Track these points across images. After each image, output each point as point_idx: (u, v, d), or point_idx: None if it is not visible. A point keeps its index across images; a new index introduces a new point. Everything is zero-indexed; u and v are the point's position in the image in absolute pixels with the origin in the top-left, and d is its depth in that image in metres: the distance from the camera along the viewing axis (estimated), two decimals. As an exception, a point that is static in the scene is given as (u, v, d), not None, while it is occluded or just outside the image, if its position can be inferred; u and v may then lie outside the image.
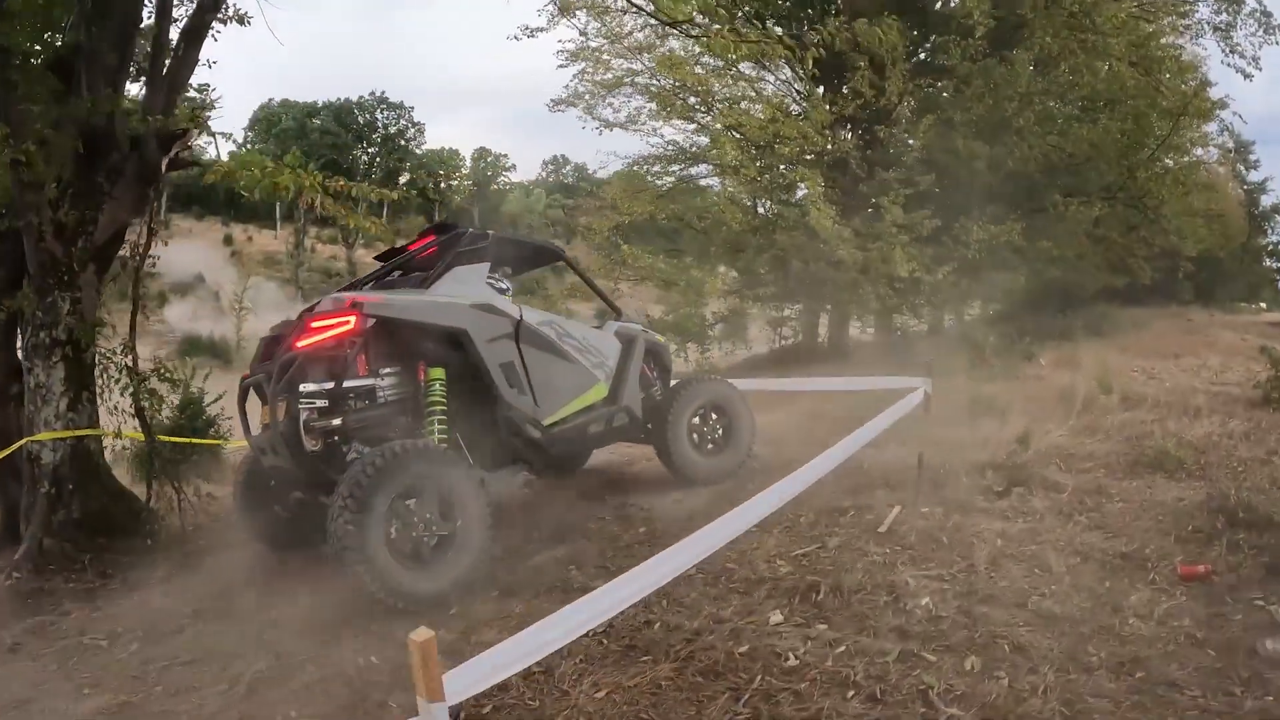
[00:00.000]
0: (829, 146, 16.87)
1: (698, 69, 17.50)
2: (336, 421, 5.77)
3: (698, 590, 5.08)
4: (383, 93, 55.18)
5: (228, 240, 64.36)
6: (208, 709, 4.38)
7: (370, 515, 5.09)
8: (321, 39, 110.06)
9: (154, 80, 8.01)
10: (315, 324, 5.75)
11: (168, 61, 8.15)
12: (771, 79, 18.63)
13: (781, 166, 16.84)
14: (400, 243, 8.11)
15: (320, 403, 5.76)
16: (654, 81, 18.13)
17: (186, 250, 59.21)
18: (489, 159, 68.79)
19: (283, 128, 54.66)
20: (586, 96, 18.90)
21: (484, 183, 70.80)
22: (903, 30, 16.37)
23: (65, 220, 7.32)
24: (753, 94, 18.27)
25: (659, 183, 20.29)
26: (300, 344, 5.72)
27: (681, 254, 19.93)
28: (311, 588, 5.85)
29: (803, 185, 16.54)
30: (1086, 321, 17.14)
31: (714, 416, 7.98)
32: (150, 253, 8.37)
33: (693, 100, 17.93)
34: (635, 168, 20.88)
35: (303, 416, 5.72)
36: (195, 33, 8.13)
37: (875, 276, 15.45)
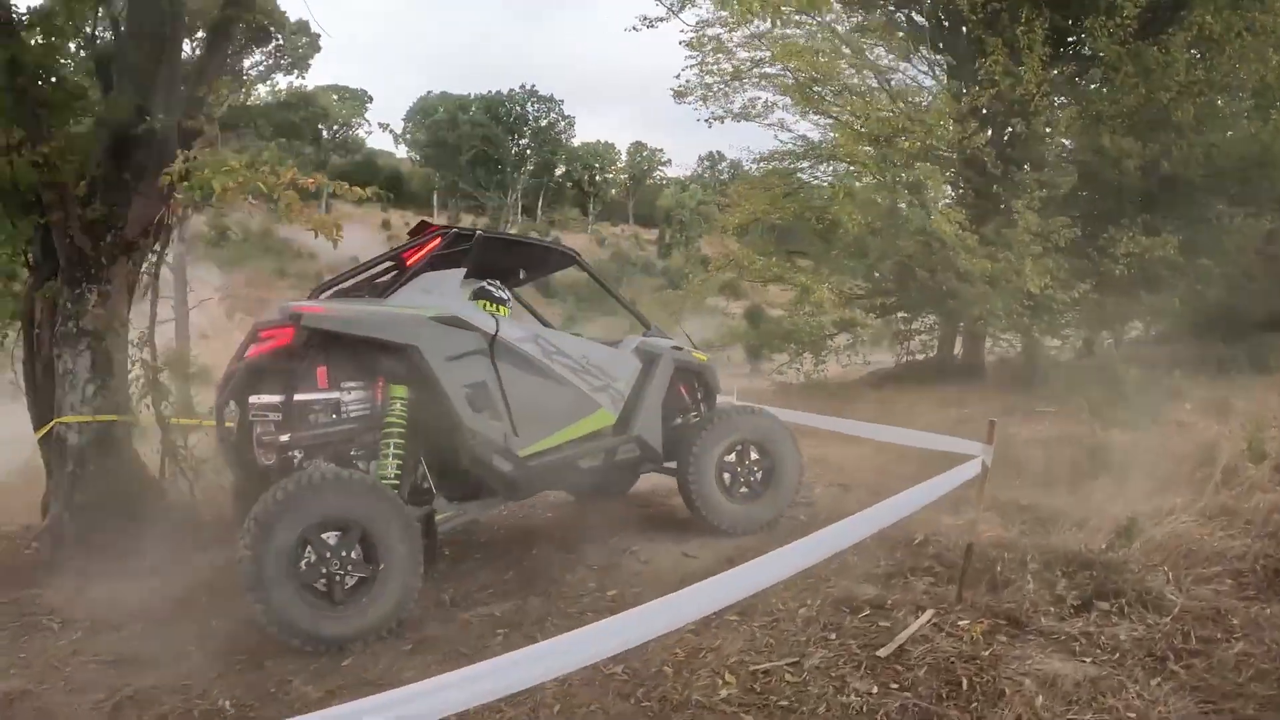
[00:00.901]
0: (960, 140, 14.96)
1: (820, 57, 16.02)
2: (289, 436, 5.39)
3: (601, 696, 4.12)
4: (533, 86, 55.91)
5: (385, 225, 66.39)
6: (78, 715, 4.37)
7: (271, 545, 4.72)
8: (481, 32, 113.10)
9: (171, 78, 7.91)
10: (263, 334, 5.38)
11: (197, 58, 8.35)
12: (904, 68, 17.11)
13: (901, 163, 15.21)
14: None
15: (274, 415, 5.39)
16: (773, 70, 16.90)
17: (345, 233, 61.34)
18: (644, 153, 68.76)
19: (435, 119, 55.63)
20: (706, 87, 17.83)
21: (639, 177, 70.87)
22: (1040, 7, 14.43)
23: (92, 216, 7.48)
24: (875, 84, 16.74)
25: (782, 179, 19.07)
26: (254, 351, 5.37)
27: (803, 256, 18.76)
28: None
29: (927, 184, 14.99)
30: (1251, 354, 14.59)
31: (753, 455, 6.83)
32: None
33: (818, 90, 16.54)
34: (763, 164, 19.79)
35: (256, 429, 5.40)
36: (220, 30, 8.22)
37: (1005, 290, 13.66)
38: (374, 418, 5.60)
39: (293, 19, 33.12)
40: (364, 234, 61.30)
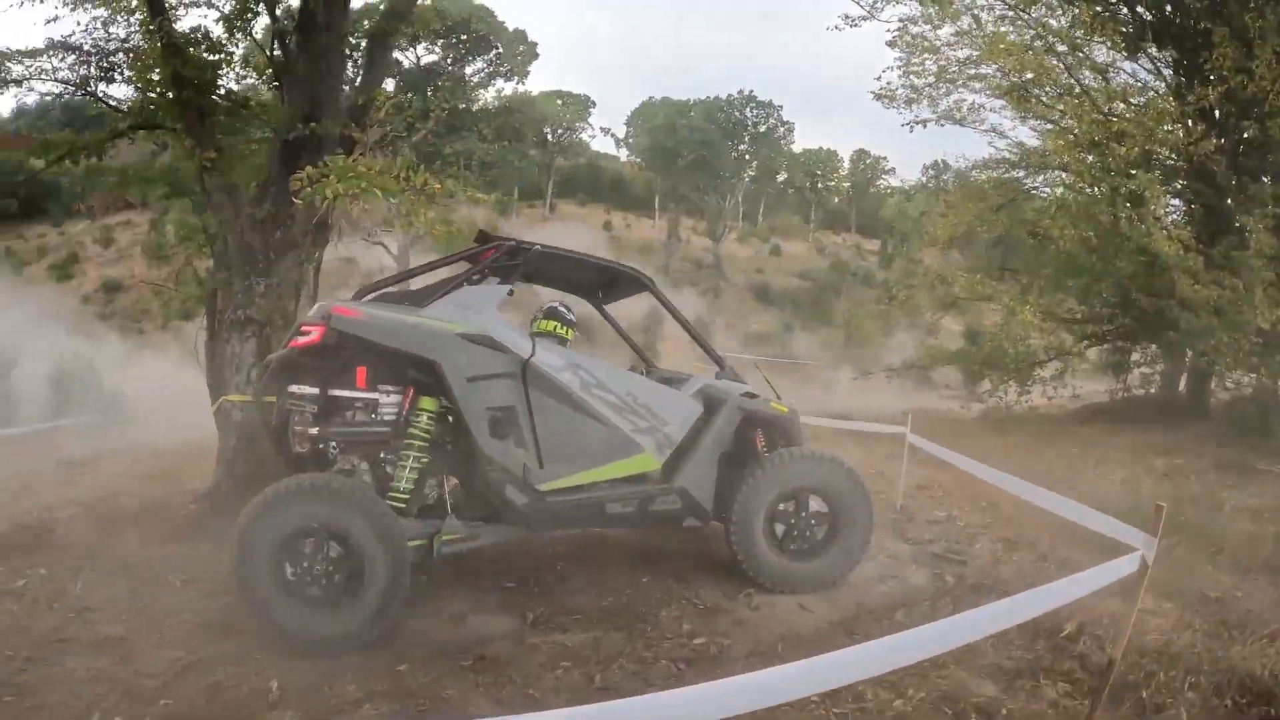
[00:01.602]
0: (1185, 146, 13.08)
1: (1030, 55, 14.38)
2: (319, 429, 5.42)
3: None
4: (751, 91, 54.88)
5: (607, 226, 67.48)
6: (153, 667, 4.80)
7: (255, 549, 4.89)
8: (705, 38, 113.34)
9: (333, 89, 8.57)
10: (303, 328, 5.35)
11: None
12: (1125, 65, 15.05)
13: (1119, 170, 13.36)
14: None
15: (309, 407, 5.39)
16: (985, 70, 15.41)
17: (567, 233, 63.07)
18: (867, 160, 66.78)
19: (655, 124, 55.87)
20: (912, 89, 16.48)
21: (862, 185, 69.03)
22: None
23: (261, 215, 8.05)
24: (1093, 83, 14.83)
25: (996, 189, 17.29)
26: (295, 343, 5.35)
27: (1014, 274, 17.11)
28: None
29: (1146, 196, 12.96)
30: None
31: (811, 507, 6.09)
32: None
33: (1034, 92, 14.93)
34: (976, 172, 18.27)
35: (293, 418, 5.40)
36: (381, 39, 8.94)
37: (1232, 322, 11.70)
38: (404, 424, 5.48)
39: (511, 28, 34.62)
40: (587, 235, 62.79)
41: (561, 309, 6.58)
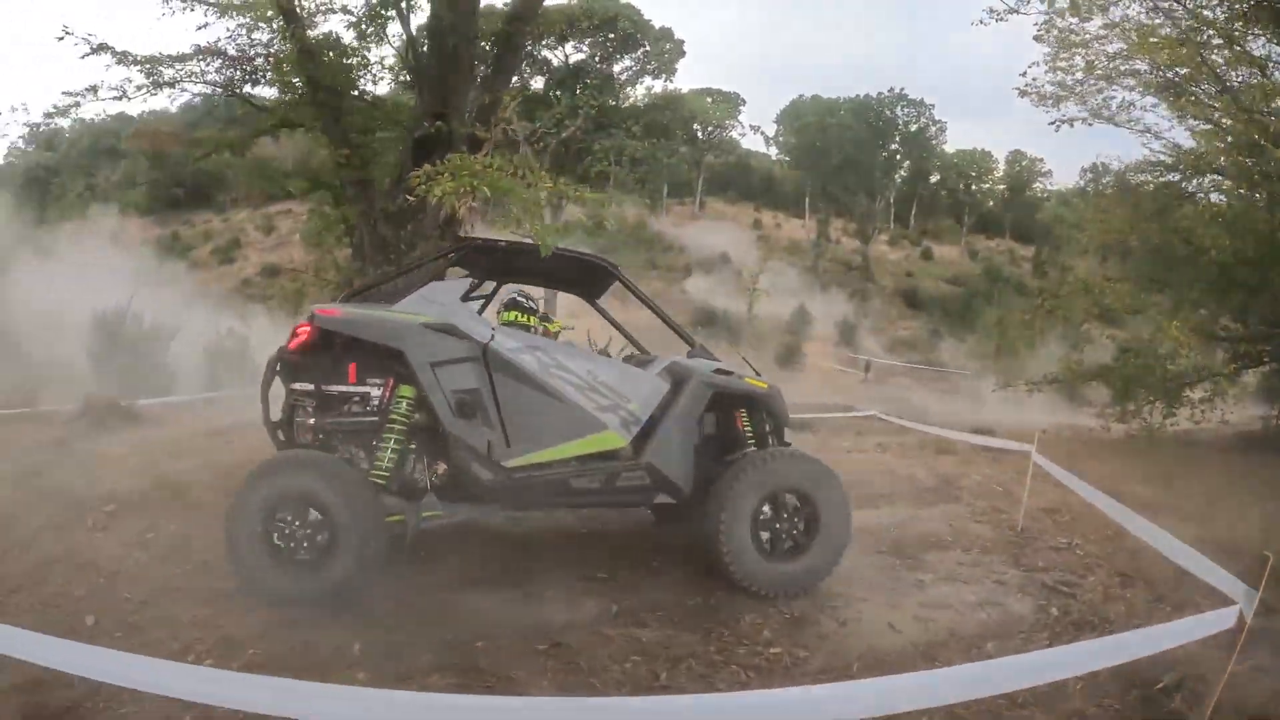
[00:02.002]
0: None
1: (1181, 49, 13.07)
2: (322, 420, 5.86)
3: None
4: (902, 89, 53.28)
5: (756, 225, 66.95)
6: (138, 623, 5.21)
7: (244, 512, 5.37)
8: (858, 35, 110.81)
9: (461, 89, 9.09)
10: (298, 329, 5.84)
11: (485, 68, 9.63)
12: None
13: (1275, 177, 12.17)
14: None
15: (310, 402, 5.87)
16: (1138, 65, 14.26)
17: (716, 230, 62.96)
18: (1023, 162, 64.12)
19: (804, 122, 54.99)
20: (1060, 85, 15.31)
21: (1017, 188, 66.50)
22: None
23: (393, 209, 8.52)
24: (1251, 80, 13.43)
25: (1151, 195, 15.94)
26: (292, 344, 5.84)
27: (1168, 286, 15.96)
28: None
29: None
30: None
31: (792, 506, 6.04)
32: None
33: (1192, 89, 13.70)
34: (1129, 175, 17.05)
35: (296, 413, 5.90)
36: (509, 41, 9.39)
37: None
38: (382, 412, 5.86)
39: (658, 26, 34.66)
40: (735, 232, 62.53)
41: (520, 298, 6.88)
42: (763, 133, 78.12)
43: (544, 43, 34.99)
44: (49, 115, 11.48)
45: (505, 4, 9.51)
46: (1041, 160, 62.98)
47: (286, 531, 5.37)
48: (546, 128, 35.07)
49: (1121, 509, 6.17)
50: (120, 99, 9.40)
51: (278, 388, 5.99)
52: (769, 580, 5.87)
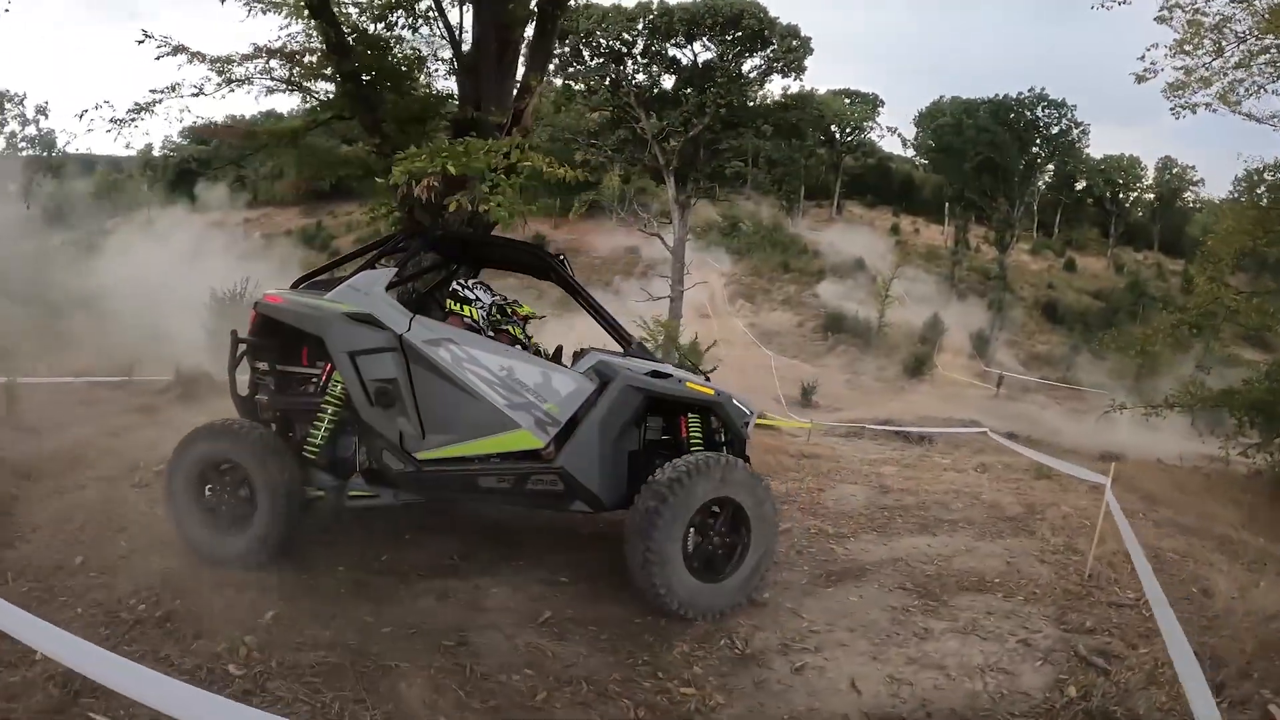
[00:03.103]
0: None
1: None
2: (277, 399, 6.15)
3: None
4: (1043, 89, 50.11)
5: (894, 230, 65.39)
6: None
7: (179, 478, 5.72)
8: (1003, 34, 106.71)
9: (492, 78, 9.08)
10: (251, 314, 6.12)
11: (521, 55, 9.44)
12: None
13: None
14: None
15: (270, 381, 6.16)
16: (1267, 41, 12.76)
17: (852, 234, 61.89)
18: (1174, 170, 60.31)
19: (940, 124, 53.01)
20: (1186, 71, 13.95)
21: (1167, 198, 62.79)
22: None
23: (428, 197, 8.11)
24: None
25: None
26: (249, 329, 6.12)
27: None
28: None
29: None
30: None
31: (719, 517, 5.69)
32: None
33: None
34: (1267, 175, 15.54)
35: (259, 391, 6.22)
36: (542, 27, 9.26)
37: None
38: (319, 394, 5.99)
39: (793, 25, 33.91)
40: (871, 237, 61.28)
41: (458, 287, 6.55)
42: (900, 135, 76.37)
43: (673, 41, 34.56)
44: (133, 112, 11.94)
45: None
46: (1193, 168, 59.27)
47: (213, 495, 5.72)
48: (674, 126, 34.72)
49: (1150, 578, 5.29)
50: (198, 95, 9.59)
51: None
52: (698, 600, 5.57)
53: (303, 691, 4.09)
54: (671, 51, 35.13)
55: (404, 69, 10.16)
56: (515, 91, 9.19)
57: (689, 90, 34.85)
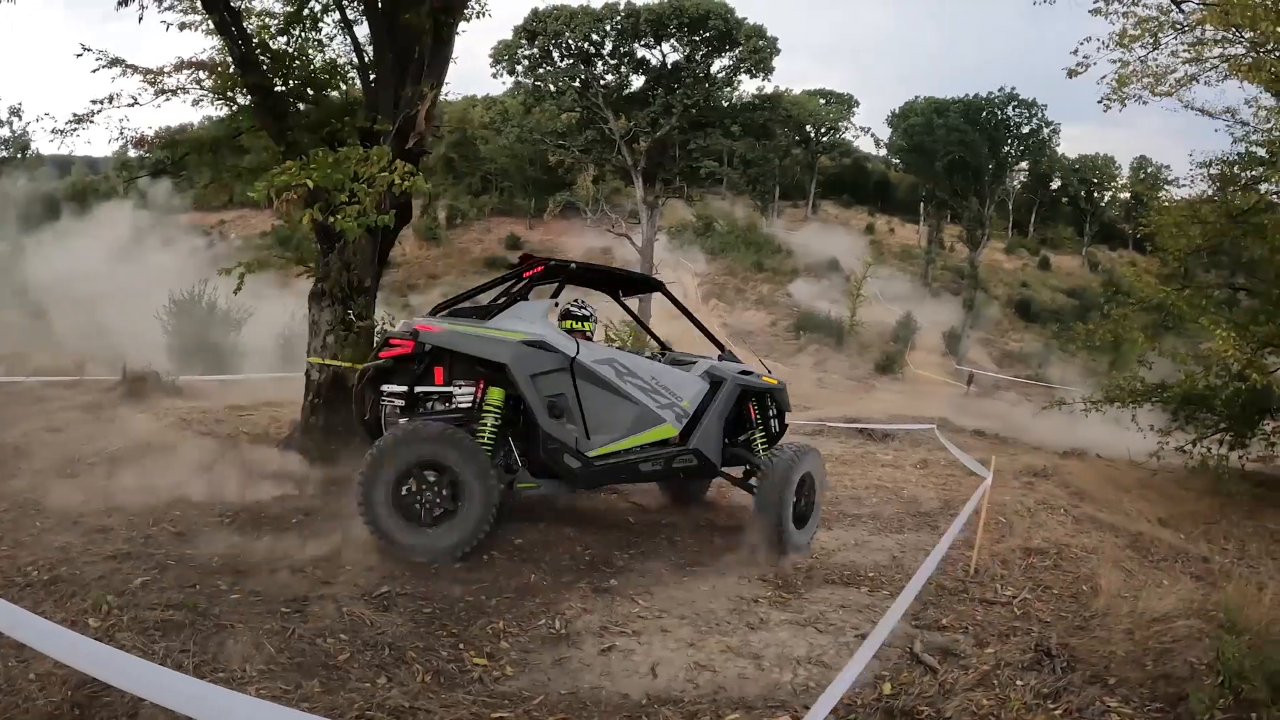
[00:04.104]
0: None
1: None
2: (409, 418, 6.71)
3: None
4: (1013, 89, 50.13)
5: (869, 229, 65.49)
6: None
7: (380, 476, 6.11)
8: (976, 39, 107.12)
9: (383, 83, 9.55)
10: (392, 343, 6.74)
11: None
12: None
13: None
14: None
15: (399, 401, 6.78)
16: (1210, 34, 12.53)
17: (827, 234, 61.93)
18: (1149, 169, 60.48)
19: (911, 123, 53.01)
20: (1123, 64, 13.62)
21: (1144, 195, 63.13)
22: None
23: (287, 210, 8.51)
24: None
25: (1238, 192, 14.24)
26: (383, 355, 6.76)
27: (1249, 294, 14.47)
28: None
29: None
30: None
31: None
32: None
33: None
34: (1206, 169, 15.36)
35: (384, 410, 6.87)
36: (436, 35, 9.34)
37: None
38: (475, 409, 6.73)
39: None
40: (846, 236, 61.30)
41: (574, 308, 7.75)
42: (873, 135, 76.46)
43: (641, 42, 34.58)
44: (72, 122, 12.23)
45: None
46: (1168, 167, 59.22)
47: (419, 495, 6.20)
48: (641, 127, 34.75)
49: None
50: (133, 106, 10.01)
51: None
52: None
53: (141, 641, 4.36)
54: (640, 52, 35.22)
55: (319, 79, 10.43)
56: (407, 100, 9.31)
57: (657, 91, 34.88)
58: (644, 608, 5.72)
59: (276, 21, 10.19)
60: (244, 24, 9.62)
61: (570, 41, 34.63)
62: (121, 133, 10.38)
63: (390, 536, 6.06)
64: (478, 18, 11.06)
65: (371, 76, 9.85)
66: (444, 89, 10.16)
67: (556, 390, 6.70)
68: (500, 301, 7.11)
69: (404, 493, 6.14)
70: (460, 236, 61.08)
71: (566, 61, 35.43)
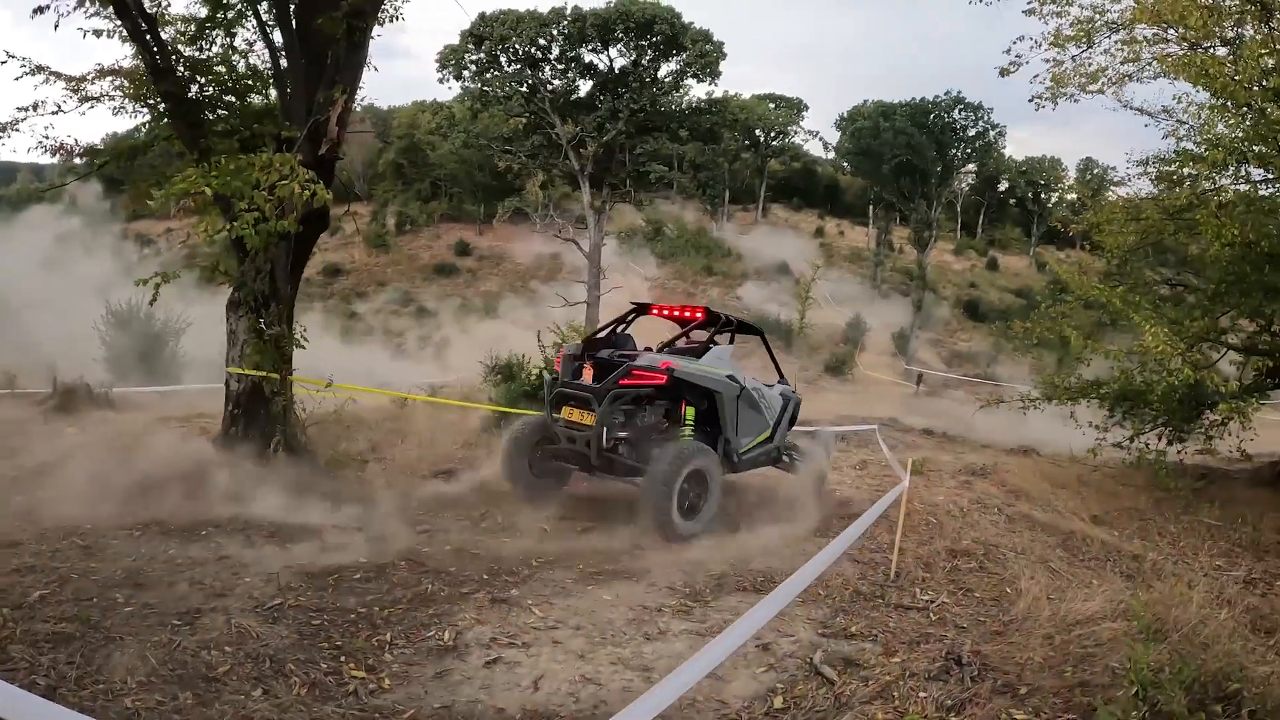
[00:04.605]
0: None
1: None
2: (625, 433, 8.60)
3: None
4: (959, 92, 50.76)
5: (818, 232, 65.86)
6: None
7: (664, 480, 7.99)
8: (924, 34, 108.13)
9: (295, 89, 9.54)
10: (638, 372, 8.46)
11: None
12: None
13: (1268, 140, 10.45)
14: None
15: (620, 417, 8.60)
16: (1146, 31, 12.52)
17: (777, 237, 62.22)
18: (1095, 170, 61.32)
19: (858, 127, 53.38)
20: (1055, 62, 13.59)
21: (1085, 197, 64.03)
22: None
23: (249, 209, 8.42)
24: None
25: (1175, 190, 14.33)
26: (624, 382, 8.46)
27: (1186, 290, 14.52)
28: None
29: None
30: None
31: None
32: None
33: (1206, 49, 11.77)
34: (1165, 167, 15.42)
35: (614, 420, 8.51)
36: (349, 40, 9.23)
37: None
38: (664, 425, 8.83)
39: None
40: (795, 242, 61.58)
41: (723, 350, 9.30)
42: (822, 139, 76.88)
43: (588, 47, 34.43)
44: None
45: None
46: (1114, 168, 60.16)
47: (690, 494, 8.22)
48: (588, 131, 34.59)
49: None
50: (56, 113, 9.95)
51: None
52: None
53: (29, 654, 4.36)
54: (587, 57, 34.99)
55: (241, 85, 10.32)
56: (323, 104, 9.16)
57: (604, 96, 34.73)
58: (539, 618, 5.60)
59: (191, 28, 9.99)
60: (159, 31, 9.45)
61: (517, 46, 34.31)
62: (42, 141, 10.25)
63: (676, 530, 7.97)
64: (390, 21, 10.99)
65: (277, 83, 9.81)
66: (359, 94, 10.08)
67: (733, 409, 8.88)
68: (701, 344, 9.20)
69: (683, 493, 8.06)
70: (409, 243, 60.59)
71: (513, 66, 35.10)
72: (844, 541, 6.11)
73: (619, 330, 9.78)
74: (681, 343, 9.48)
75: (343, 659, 4.80)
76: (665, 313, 9.84)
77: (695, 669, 3.54)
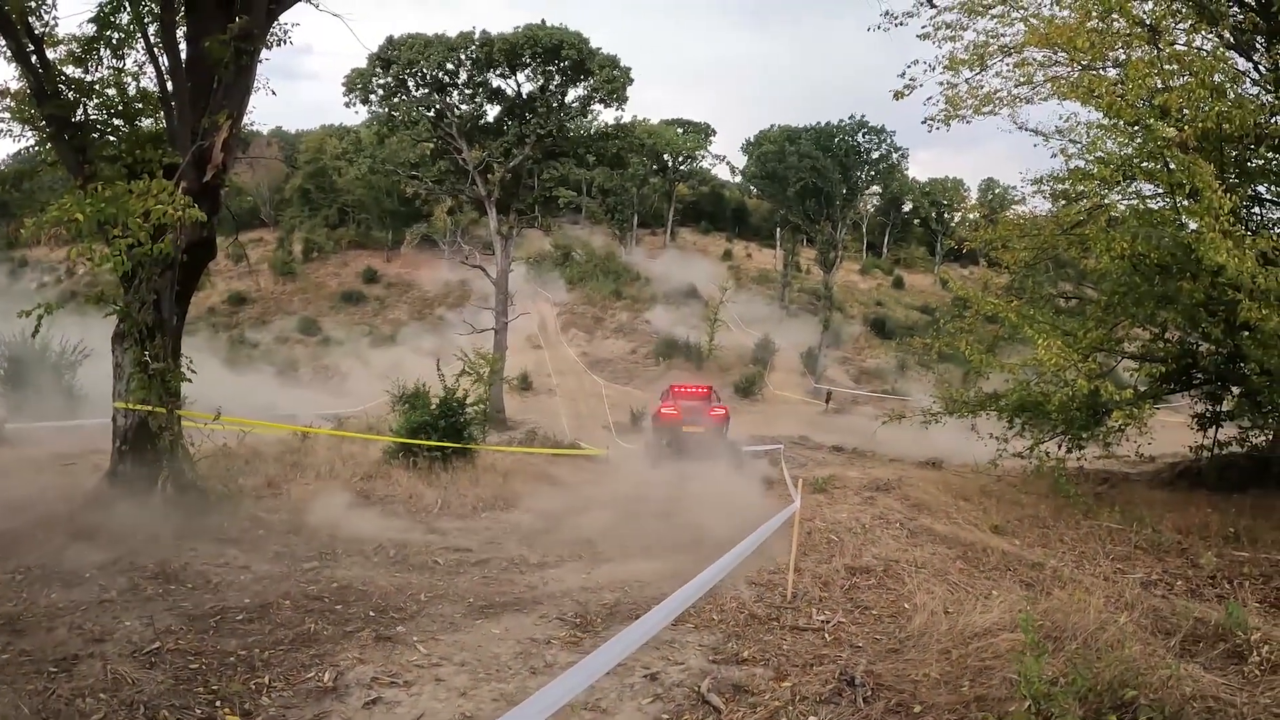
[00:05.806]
0: (1254, 122, 10.23)
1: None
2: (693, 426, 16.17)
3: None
4: (863, 116, 52.20)
5: (726, 255, 66.51)
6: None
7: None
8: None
9: (181, 114, 9.30)
10: (716, 412, 17.63)
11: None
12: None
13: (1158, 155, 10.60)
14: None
15: (691, 417, 16.71)
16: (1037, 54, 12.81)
17: (685, 260, 62.62)
18: (996, 190, 63.31)
19: (764, 151, 54.33)
20: (948, 85, 13.85)
21: (982, 217, 66.09)
22: None
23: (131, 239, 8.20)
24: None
25: (1068, 208, 14.54)
26: (713, 412, 17.48)
27: (1083, 304, 14.91)
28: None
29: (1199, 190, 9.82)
30: None
31: None
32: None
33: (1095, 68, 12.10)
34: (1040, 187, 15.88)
35: (686, 418, 16.40)
36: (237, 63, 9.15)
37: None
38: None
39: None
40: (704, 265, 62.02)
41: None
42: (729, 163, 77.85)
43: (496, 72, 34.25)
44: None
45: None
46: (1014, 188, 62.26)
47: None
48: (494, 157, 34.36)
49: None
50: None
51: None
52: None
53: None
54: (495, 82, 34.77)
55: (131, 109, 9.98)
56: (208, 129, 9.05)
57: (511, 121, 34.57)
58: (424, 655, 5.41)
59: (78, 48, 9.64)
60: (44, 51, 9.21)
61: (425, 70, 33.95)
62: None
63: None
64: (279, 45, 10.81)
65: (165, 107, 9.58)
66: (249, 118, 10.04)
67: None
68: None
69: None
70: (316, 270, 59.59)
71: (421, 91, 34.73)
72: (717, 570, 5.57)
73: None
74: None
75: (218, 704, 4.57)
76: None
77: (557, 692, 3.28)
